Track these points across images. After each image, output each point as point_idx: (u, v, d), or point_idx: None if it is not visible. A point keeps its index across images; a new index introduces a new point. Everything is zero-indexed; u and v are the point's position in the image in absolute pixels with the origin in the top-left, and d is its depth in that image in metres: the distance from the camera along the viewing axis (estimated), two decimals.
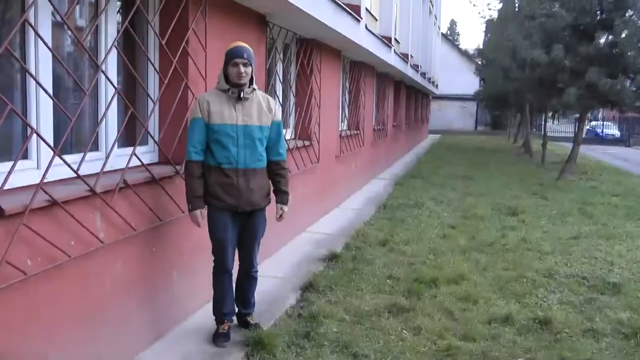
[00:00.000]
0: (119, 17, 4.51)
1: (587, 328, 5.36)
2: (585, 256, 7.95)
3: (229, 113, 4.49)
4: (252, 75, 4.58)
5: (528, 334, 5.22)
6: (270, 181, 4.82)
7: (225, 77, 4.53)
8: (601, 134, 44.15)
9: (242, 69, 4.42)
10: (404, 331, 5.15)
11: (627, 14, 15.80)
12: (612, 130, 45.76)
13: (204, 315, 5.30)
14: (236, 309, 5.03)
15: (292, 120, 8.61)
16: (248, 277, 4.99)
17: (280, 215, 4.93)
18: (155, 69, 4.79)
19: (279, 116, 4.77)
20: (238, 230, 4.77)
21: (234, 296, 4.96)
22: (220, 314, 4.87)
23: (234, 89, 4.48)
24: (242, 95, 4.49)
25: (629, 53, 15.70)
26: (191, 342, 4.78)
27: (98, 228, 3.87)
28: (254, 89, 4.61)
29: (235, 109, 4.52)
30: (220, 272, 4.79)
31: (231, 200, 4.55)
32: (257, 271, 5.02)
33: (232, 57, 4.44)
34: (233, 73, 4.44)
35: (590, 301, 6.11)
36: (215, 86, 4.63)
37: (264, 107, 4.63)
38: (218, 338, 4.78)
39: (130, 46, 4.70)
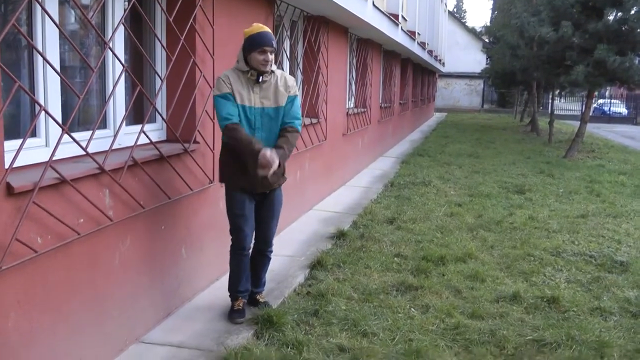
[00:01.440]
0: None
1: (595, 307, 5.35)
2: (592, 234, 7.93)
3: (247, 95, 4.46)
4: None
5: (536, 312, 5.22)
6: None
7: (245, 58, 4.45)
8: (608, 112, 43.92)
9: (270, 57, 4.39)
10: (412, 309, 5.15)
11: None
12: (620, 108, 45.51)
13: (213, 293, 5.33)
14: None
15: (299, 98, 8.56)
16: (262, 256, 4.98)
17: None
18: (162, 46, 4.76)
19: (294, 92, 4.68)
20: (255, 209, 4.75)
21: (249, 274, 4.92)
22: (235, 291, 4.87)
23: (253, 71, 4.43)
24: (261, 80, 4.46)
25: (638, 30, 15.55)
26: (200, 320, 4.80)
27: (107, 206, 3.87)
28: (272, 71, 4.55)
29: (253, 90, 4.49)
30: (237, 250, 4.75)
31: (247, 182, 4.53)
32: (272, 251, 5.01)
33: (260, 44, 4.34)
34: (258, 59, 4.37)
35: (597, 280, 6.10)
36: (234, 65, 4.54)
37: (280, 88, 4.57)
38: (233, 315, 4.79)
39: (137, 23, 4.67)
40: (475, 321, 4.95)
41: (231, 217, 4.72)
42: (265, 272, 5.10)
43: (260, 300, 5.04)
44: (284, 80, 4.63)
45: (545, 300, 5.44)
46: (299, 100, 4.74)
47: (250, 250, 4.86)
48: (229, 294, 4.92)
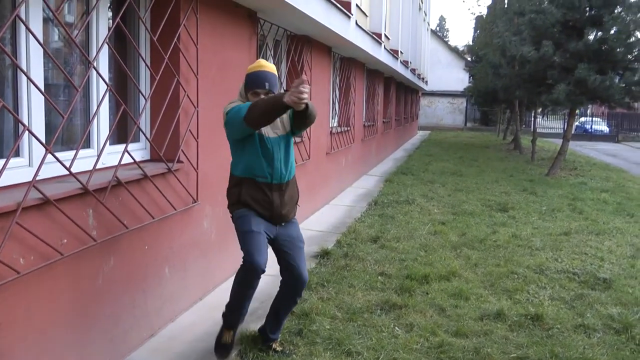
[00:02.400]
0: (109, 13, 4.48)
1: (579, 324, 5.38)
2: (575, 252, 7.98)
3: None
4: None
5: (520, 330, 5.23)
6: (298, 190, 4.54)
7: (246, 94, 4.26)
8: (590, 130, 44.32)
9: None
10: (397, 328, 5.15)
11: (616, 11, 15.88)
12: (601, 126, 45.94)
13: (196, 313, 5.30)
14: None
15: None
16: (291, 296, 4.45)
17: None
18: (147, 65, 4.77)
19: None
20: (277, 246, 4.34)
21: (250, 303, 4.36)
22: (230, 319, 4.38)
23: None
24: None
25: (617, 49, 15.77)
26: (184, 340, 4.77)
27: (90, 226, 3.85)
28: None
29: None
30: (248, 271, 4.07)
31: (263, 212, 4.20)
32: (301, 295, 4.55)
33: (253, 86, 4.15)
34: (252, 101, 4.08)
35: (581, 297, 6.13)
36: (238, 97, 4.32)
37: (283, 115, 4.10)
38: (219, 349, 4.41)
39: (121, 42, 4.68)
40: (460, 339, 4.96)
41: (243, 231, 4.15)
42: (287, 315, 4.63)
43: (277, 348, 4.57)
44: None
45: (529, 317, 5.46)
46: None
47: (260, 279, 4.17)
48: (222, 318, 4.43)
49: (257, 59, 6.83)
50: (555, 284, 6.52)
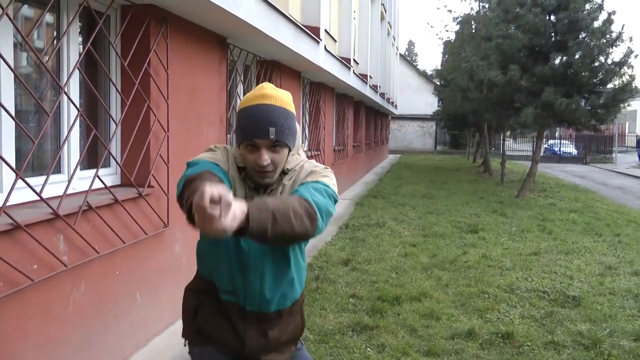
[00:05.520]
0: (79, 39, 4.51)
1: (549, 341, 5.46)
2: (545, 271, 8.09)
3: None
4: (292, 150, 2.43)
5: (491, 348, 5.29)
6: (303, 320, 2.69)
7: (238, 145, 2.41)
8: (559, 152, 44.97)
9: (265, 157, 2.28)
10: (368, 349, 5.17)
11: (580, 36, 16.26)
12: (570, 148, 46.62)
13: (168, 337, 5.28)
14: None
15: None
16: None
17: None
18: (117, 90, 4.79)
19: (313, 178, 2.42)
20: None
21: None
22: None
23: (249, 179, 2.41)
24: (263, 191, 2.42)
25: (582, 73, 16.11)
26: None
27: (61, 251, 3.84)
28: (284, 173, 2.44)
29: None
30: None
31: (230, 345, 2.49)
32: None
33: (246, 133, 2.29)
34: (247, 160, 2.33)
35: (551, 314, 6.22)
36: (225, 145, 2.56)
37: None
38: None
39: (92, 68, 4.70)
40: (431, 359, 5.00)
41: None
42: None
43: None
44: (299, 174, 2.48)
45: (500, 335, 5.52)
46: (326, 189, 2.37)
47: None
48: None
49: (227, 85, 6.91)
50: (526, 303, 6.61)
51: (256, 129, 2.25)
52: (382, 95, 25.40)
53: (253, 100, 2.32)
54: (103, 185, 4.37)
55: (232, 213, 1.76)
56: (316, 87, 12.92)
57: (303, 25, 8.80)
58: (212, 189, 1.70)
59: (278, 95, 2.33)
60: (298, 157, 2.51)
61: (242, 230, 1.88)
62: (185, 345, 2.61)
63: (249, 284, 2.41)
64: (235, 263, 2.39)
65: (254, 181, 2.38)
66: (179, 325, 5.49)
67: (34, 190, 3.57)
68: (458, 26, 32.79)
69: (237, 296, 2.44)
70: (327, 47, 11.12)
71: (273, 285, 2.44)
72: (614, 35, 16.26)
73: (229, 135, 6.96)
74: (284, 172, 2.43)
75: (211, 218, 1.71)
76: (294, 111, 2.38)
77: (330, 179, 2.45)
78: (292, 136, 2.34)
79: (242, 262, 2.38)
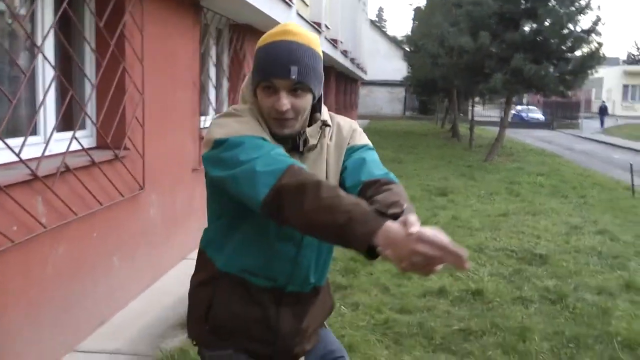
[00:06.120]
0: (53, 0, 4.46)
1: (517, 296, 5.65)
2: (513, 231, 8.30)
3: None
4: (317, 99, 2.06)
5: (461, 304, 5.45)
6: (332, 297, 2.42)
7: (254, 92, 2.04)
8: (526, 118, 45.40)
9: (284, 101, 1.92)
10: (343, 307, 5.28)
11: (550, 3, 16.43)
12: (537, 114, 47.08)
13: (146, 299, 5.34)
14: None
15: (225, 107, 8.64)
16: None
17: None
18: (93, 50, 4.76)
19: (359, 140, 2.15)
20: None
21: None
22: None
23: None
24: (301, 147, 2.04)
25: (552, 40, 16.32)
26: (135, 326, 4.81)
27: (40, 213, 3.86)
28: (322, 126, 2.09)
29: None
30: None
31: (258, 348, 2.12)
32: None
33: (263, 73, 1.95)
34: (265, 104, 1.97)
35: (519, 272, 6.42)
36: (242, 105, 2.09)
37: (336, 153, 2.12)
38: None
39: (66, 30, 4.66)
40: (404, 316, 5.13)
41: None
42: None
43: None
44: (340, 132, 2.15)
45: (470, 292, 5.69)
46: (376, 154, 2.14)
47: None
48: None
49: (200, 49, 6.89)
50: (494, 261, 6.80)
51: (275, 67, 1.91)
52: (352, 60, 25.39)
53: (274, 37, 1.99)
54: (80, 147, 4.38)
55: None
56: None
57: None
58: (430, 232, 1.53)
59: (303, 33, 2.00)
60: (325, 109, 2.15)
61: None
62: (194, 344, 2.20)
63: (301, 262, 2.05)
64: (285, 245, 2.01)
65: (291, 142, 2.00)
66: (156, 287, 5.58)
67: (13, 151, 3.58)
68: None
69: (274, 279, 2.04)
70: (299, 12, 11.09)
71: (319, 265, 2.13)
72: (582, 3, 16.47)
73: (201, 100, 6.96)
74: (325, 124, 2.09)
75: (432, 262, 1.52)
76: (321, 53, 2.04)
77: (367, 138, 2.20)
78: (318, 80, 2.00)
79: (295, 242, 2.02)
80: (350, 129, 2.15)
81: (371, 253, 1.62)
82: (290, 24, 2.03)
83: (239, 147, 1.84)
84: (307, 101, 1.97)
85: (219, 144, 1.88)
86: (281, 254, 2.02)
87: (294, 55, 1.91)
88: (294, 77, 1.89)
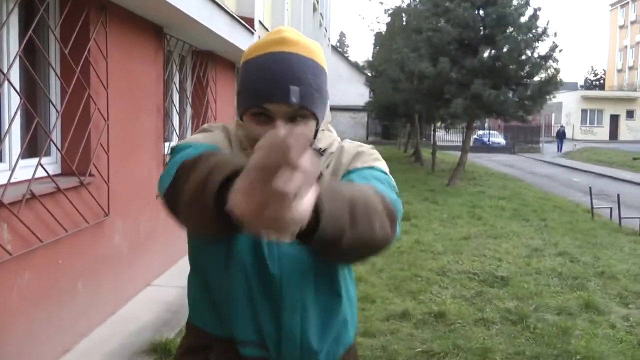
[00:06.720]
0: (18, 27, 4.48)
1: (479, 318, 5.77)
2: (475, 254, 8.44)
3: None
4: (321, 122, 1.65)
5: (424, 327, 5.54)
6: None
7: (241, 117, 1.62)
8: (488, 142, 46.00)
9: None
10: None
11: (507, 30, 16.83)
12: (498, 138, 47.73)
13: (110, 327, 5.31)
14: None
15: (189, 132, 8.67)
16: None
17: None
18: (58, 77, 4.77)
19: (365, 163, 1.68)
20: None
21: None
22: None
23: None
24: None
25: (510, 66, 16.71)
26: (98, 354, 4.77)
27: (5, 239, 3.85)
28: (319, 153, 1.69)
29: None
30: None
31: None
32: None
33: (256, 96, 1.50)
34: (256, 135, 1.51)
35: (480, 294, 6.55)
36: (227, 124, 1.75)
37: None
38: None
39: (31, 56, 4.68)
40: (368, 339, 5.20)
41: None
42: None
43: None
44: (339, 158, 1.72)
45: (432, 315, 5.79)
46: (387, 178, 1.69)
47: None
48: None
49: (164, 75, 6.94)
50: (457, 284, 6.91)
51: (269, 89, 1.46)
52: None
53: (266, 47, 1.52)
54: (45, 174, 4.38)
55: (309, 195, 0.95)
56: None
57: (238, 16, 8.86)
58: (292, 137, 0.88)
59: (303, 42, 1.54)
60: (330, 134, 1.76)
61: (308, 232, 1.10)
62: None
63: (285, 328, 1.55)
64: (260, 296, 1.54)
65: None
66: (120, 314, 5.55)
67: None
68: (389, 18, 33.15)
69: (266, 348, 1.56)
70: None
71: (321, 328, 1.59)
72: (539, 30, 16.96)
73: (167, 125, 6.99)
74: (320, 152, 1.66)
75: (282, 196, 0.88)
76: (326, 67, 1.60)
77: (384, 164, 1.73)
78: (324, 102, 1.59)
79: (272, 296, 1.54)
80: (353, 153, 1.69)
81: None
82: (285, 29, 1.60)
83: (184, 150, 1.49)
84: (309, 130, 1.56)
85: (170, 151, 1.57)
86: (260, 312, 1.54)
87: (295, 72, 1.47)
88: (294, 100, 1.46)
